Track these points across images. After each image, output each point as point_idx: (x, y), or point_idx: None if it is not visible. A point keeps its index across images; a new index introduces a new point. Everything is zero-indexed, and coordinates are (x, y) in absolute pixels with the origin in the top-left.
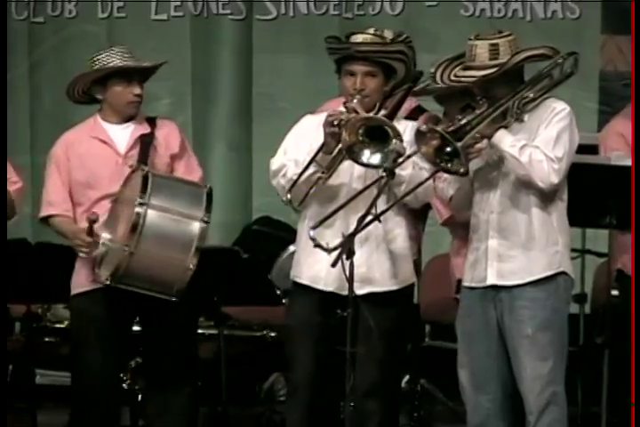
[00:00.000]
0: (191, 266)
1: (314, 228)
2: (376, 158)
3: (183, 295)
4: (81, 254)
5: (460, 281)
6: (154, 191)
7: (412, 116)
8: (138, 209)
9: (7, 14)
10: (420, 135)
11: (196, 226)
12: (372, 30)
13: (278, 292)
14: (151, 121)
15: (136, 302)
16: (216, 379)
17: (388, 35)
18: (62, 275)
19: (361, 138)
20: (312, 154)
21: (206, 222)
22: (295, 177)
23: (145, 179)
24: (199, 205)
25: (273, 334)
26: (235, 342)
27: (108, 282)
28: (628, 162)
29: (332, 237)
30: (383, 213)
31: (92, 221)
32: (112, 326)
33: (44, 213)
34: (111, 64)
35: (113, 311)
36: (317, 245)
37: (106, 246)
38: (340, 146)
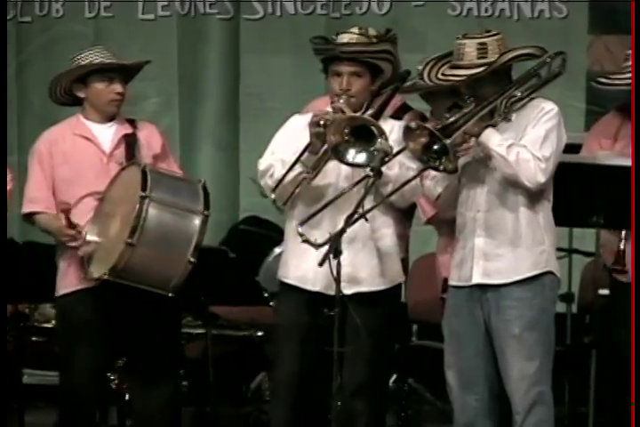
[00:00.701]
0: (192, 259)
1: (302, 223)
2: (362, 158)
3: (177, 293)
4: (72, 244)
5: (446, 280)
6: (154, 185)
7: (397, 113)
8: (140, 202)
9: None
10: (408, 132)
11: (196, 220)
12: (356, 29)
13: (266, 294)
14: (131, 122)
15: (122, 301)
16: (204, 378)
17: (373, 33)
18: (50, 274)
19: (346, 138)
20: (298, 154)
21: (206, 216)
22: (281, 177)
23: (144, 173)
24: (198, 199)
25: (260, 334)
26: (222, 342)
27: (105, 277)
28: (616, 161)
29: (319, 237)
30: (369, 211)
31: (67, 211)
32: (99, 326)
33: (26, 209)
34: (92, 62)
35: (100, 311)
36: (305, 241)
37: (96, 244)
38: (325, 146)
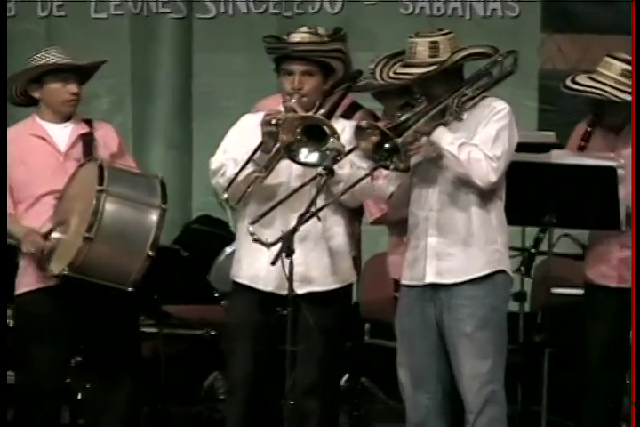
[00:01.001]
0: (150, 253)
1: (253, 222)
2: (314, 157)
3: (136, 287)
4: (25, 250)
5: (396, 279)
6: (111, 180)
7: (347, 112)
8: (97, 197)
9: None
10: (359, 131)
11: (154, 214)
12: (305, 28)
13: (217, 294)
14: (88, 122)
15: (81, 300)
16: (156, 377)
17: (322, 32)
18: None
19: (298, 137)
20: (250, 153)
21: (164, 210)
22: (234, 176)
23: (100, 169)
24: (155, 193)
25: (213, 333)
26: (175, 341)
27: (65, 272)
28: (568, 160)
29: (271, 236)
30: (321, 210)
31: (51, 230)
32: (57, 326)
33: None
34: (47, 62)
35: (58, 311)
36: (256, 240)
37: (55, 241)
38: (277, 145)
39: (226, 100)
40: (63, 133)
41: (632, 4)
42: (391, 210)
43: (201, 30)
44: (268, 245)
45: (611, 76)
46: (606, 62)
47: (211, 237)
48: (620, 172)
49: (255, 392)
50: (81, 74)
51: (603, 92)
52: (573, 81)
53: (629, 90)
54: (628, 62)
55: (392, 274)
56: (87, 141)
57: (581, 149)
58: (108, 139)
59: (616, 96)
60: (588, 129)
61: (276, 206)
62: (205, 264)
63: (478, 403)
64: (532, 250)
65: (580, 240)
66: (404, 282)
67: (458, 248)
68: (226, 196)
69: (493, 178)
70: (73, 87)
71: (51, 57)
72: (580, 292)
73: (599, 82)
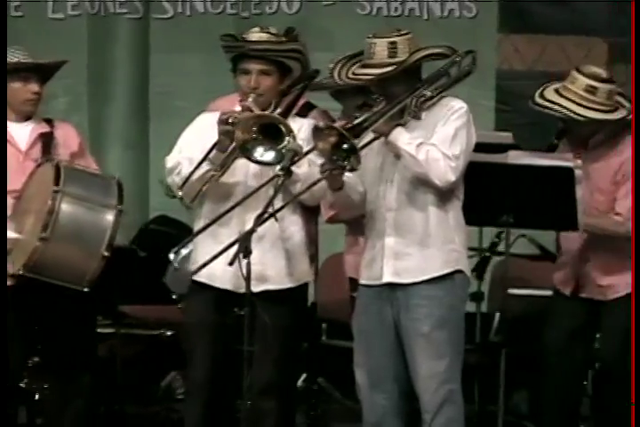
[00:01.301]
0: (106, 254)
1: (175, 252)
2: (269, 156)
3: (91, 288)
4: None
5: (352, 278)
6: (67, 180)
7: (301, 112)
8: (52, 197)
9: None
10: (317, 132)
11: (110, 214)
12: (257, 29)
13: (174, 296)
14: (48, 122)
15: (37, 299)
16: (113, 378)
17: (274, 31)
18: None
19: (254, 135)
20: (206, 152)
21: (120, 211)
22: (189, 174)
23: (57, 169)
24: (111, 193)
25: (170, 333)
26: (132, 341)
27: (20, 272)
28: (525, 160)
29: (228, 235)
30: (279, 210)
31: None
32: (14, 326)
33: None
34: (8, 62)
35: (15, 310)
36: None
37: (12, 241)
38: (233, 144)
39: (182, 100)
40: (23, 133)
41: (632, 4)
42: (340, 210)
43: (158, 31)
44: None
45: (575, 91)
46: (572, 77)
47: (168, 237)
48: (577, 172)
49: (214, 392)
50: (42, 73)
51: (565, 110)
52: (541, 95)
53: (594, 106)
54: (593, 77)
55: (348, 273)
56: (46, 141)
57: None
58: (68, 138)
59: (578, 114)
60: (555, 142)
61: (227, 212)
62: (162, 265)
63: (435, 403)
64: (487, 253)
65: (537, 241)
66: (361, 282)
67: (415, 248)
68: (180, 194)
69: (452, 177)
70: (34, 86)
71: (11, 56)
72: (536, 292)
73: (564, 97)
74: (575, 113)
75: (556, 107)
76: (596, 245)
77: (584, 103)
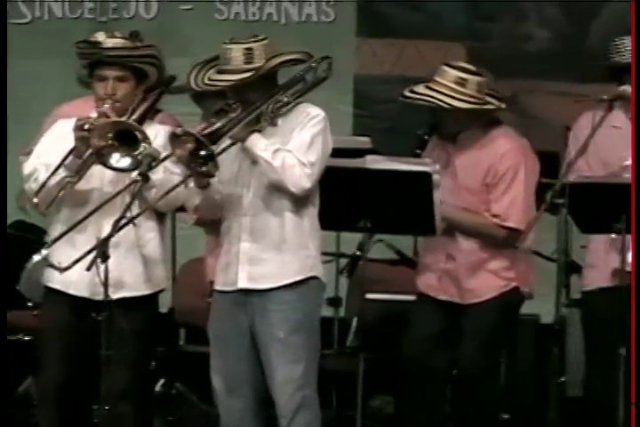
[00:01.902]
0: None
1: (47, 247)
2: (125, 162)
3: None
4: None
5: (212, 283)
6: None
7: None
8: None
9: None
10: (174, 138)
11: None
12: (102, 34)
13: (30, 304)
14: None
15: None
16: None
17: (118, 35)
18: None
19: (110, 142)
20: (62, 158)
21: None
22: (45, 181)
23: None
24: None
25: (27, 338)
26: None
27: None
28: (383, 165)
29: (84, 241)
30: (136, 217)
31: None
32: None
33: None
34: None
35: None
36: (50, 265)
37: None
38: (89, 150)
39: (40, 105)
40: None
41: (632, 4)
42: (203, 211)
43: (16, 35)
44: (62, 270)
45: (445, 84)
46: (441, 70)
47: (24, 242)
48: (435, 177)
49: (68, 398)
50: None
51: (435, 100)
52: (411, 91)
53: (464, 98)
54: (463, 70)
55: (209, 276)
56: None
57: (416, 156)
58: None
59: (448, 104)
60: (425, 137)
61: (84, 219)
62: (19, 270)
63: (291, 408)
64: (358, 253)
65: (394, 246)
66: (216, 287)
67: (271, 253)
68: (36, 201)
69: (307, 184)
70: None
71: None
72: (394, 297)
73: (434, 90)
74: (444, 102)
75: (424, 97)
76: (461, 247)
77: (453, 94)
